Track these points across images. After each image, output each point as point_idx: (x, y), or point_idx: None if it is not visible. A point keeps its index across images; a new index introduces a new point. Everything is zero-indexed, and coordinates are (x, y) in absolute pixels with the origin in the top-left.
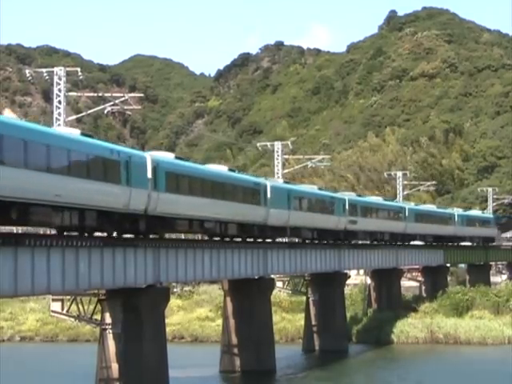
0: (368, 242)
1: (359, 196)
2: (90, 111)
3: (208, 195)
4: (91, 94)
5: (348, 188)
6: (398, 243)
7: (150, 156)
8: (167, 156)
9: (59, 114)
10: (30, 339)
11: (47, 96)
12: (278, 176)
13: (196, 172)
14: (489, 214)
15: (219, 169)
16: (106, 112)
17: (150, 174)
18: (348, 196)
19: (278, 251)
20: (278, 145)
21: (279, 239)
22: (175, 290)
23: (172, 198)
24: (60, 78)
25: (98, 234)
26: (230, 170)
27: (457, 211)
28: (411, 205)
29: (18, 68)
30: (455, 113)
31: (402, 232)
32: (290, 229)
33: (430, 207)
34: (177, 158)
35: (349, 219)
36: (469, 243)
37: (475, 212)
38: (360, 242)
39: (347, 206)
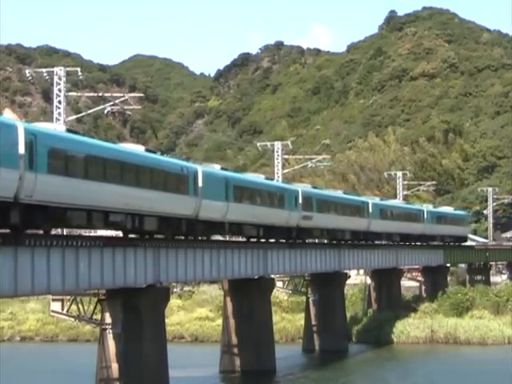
0: (325, 242)
1: (315, 188)
2: (90, 111)
3: (115, 180)
4: (91, 94)
5: (349, 188)
6: (361, 243)
7: (22, 126)
8: (51, 127)
9: (59, 114)
10: (30, 339)
11: (47, 96)
12: (277, 176)
13: (97, 150)
14: (462, 211)
15: (134, 148)
16: (105, 112)
17: (22, 150)
18: (302, 188)
19: (278, 251)
20: (277, 145)
21: (236, 238)
22: (175, 289)
23: (57, 181)
24: (60, 78)
25: (97, 234)
26: (149, 150)
27: (426, 207)
28: (375, 199)
29: (17, 68)
30: (455, 113)
31: (365, 230)
32: (229, 225)
33: (397, 202)
34: (69, 130)
35: (302, 215)
36: (439, 243)
37: (446, 208)
38: (316, 241)
39: (300, 200)
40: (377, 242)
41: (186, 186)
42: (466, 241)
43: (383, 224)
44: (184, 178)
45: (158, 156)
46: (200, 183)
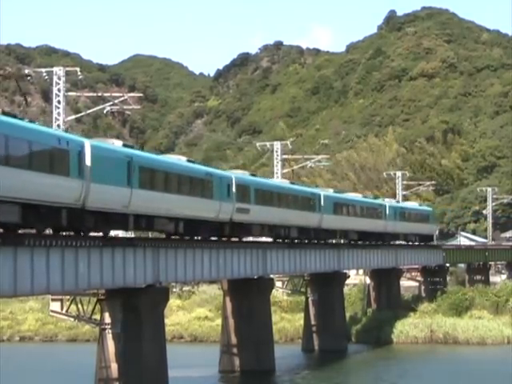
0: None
1: (254, 175)
2: (89, 111)
3: None
4: (90, 94)
5: (349, 188)
6: (313, 241)
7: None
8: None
9: (58, 114)
10: (30, 339)
11: (47, 96)
12: (277, 176)
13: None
14: (426, 206)
15: None
16: (105, 112)
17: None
18: (236, 174)
19: (277, 251)
20: (277, 145)
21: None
22: (175, 289)
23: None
24: (59, 78)
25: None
26: (5, 113)
27: (388, 202)
28: (329, 191)
29: (17, 68)
30: (454, 113)
31: (316, 227)
32: (135, 217)
33: (355, 196)
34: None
35: (237, 207)
36: (402, 242)
37: (411, 204)
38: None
39: (234, 188)
40: (333, 242)
41: (66, 164)
42: (432, 240)
43: (337, 220)
44: (63, 153)
45: (25, 123)
46: (88, 162)
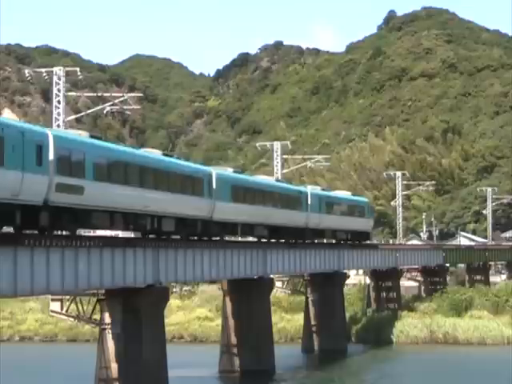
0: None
1: (96, 138)
2: (89, 111)
3: None
4: (90, 94)
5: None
6: (204, 238)
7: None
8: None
9: (58, 114)
10: (30, 339)
11: (46, 96)
12: (277, 176)
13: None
14: (362, 197)
15: None
16: (105, 112)
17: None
18: (54, 131)
19: (277, 251)
20: (277, 145)
21: None
22: (175, 290)
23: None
24: (59, 78)
25: (97, 233)
26: None
27: (311, 190)
28: (227, 172)
29: (17, 68)
30: (454, 113)
31: (207, 218)
32: None
33: (264, 179)
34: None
35: (56, 182)
36: (331, 240)
37: (341, 193)
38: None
39: (52, 155)
40: (227, 239)
41: None
42: (368, 238)
43: (239, 210)
44: None
45: None
46: None
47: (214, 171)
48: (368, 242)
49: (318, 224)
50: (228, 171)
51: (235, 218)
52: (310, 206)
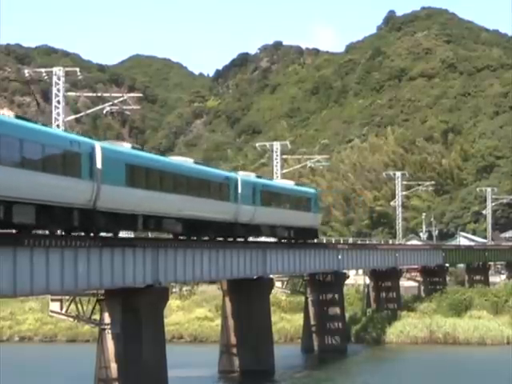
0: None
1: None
2: (88, 111)
3: None
4: (90, 94)
5: (348, 188)
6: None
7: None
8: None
9: (58, 114)
10: (29, 339)
11: (46, 96)
12: (276, 176)
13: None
14: (310, 188)
15: None
16: (104, 112)
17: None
18: None
19: (276, 251)
20: (276, 145)
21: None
22: (174, 290)
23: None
24: (59, 78)
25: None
26: None
27: (242, 176)
28: (123, 148)
29: (16, 68)
30: (454, 113)
31: (87, 206)
32: None
33: (178, 160)
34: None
35: None
36: (269, 239)
37: (284, 182)
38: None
39: None
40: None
41: None
42: (316, 236)
43: (134, 197)
44: None
45: None
46: None
47: (100, 145)
48: (315, 240)
49: (252, 219)
50: (127, 146)
51: (132, 209)
52: (240, 196)
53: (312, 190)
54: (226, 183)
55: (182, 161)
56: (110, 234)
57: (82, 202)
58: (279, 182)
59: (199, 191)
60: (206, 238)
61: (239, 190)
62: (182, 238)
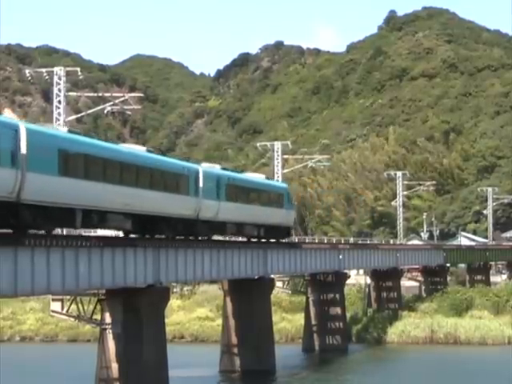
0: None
1: None
2: (89, 111)
3: None
4: (91, 94)
5: (349, 188)
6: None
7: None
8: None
9: (59, 114)
10: (30, 339)
11: (47, 96)
12: (277, 176)
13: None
14: (281, 183)
15: None
16: (105, 112)
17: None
18: None
19: (277, 251)
20: (277, 145)
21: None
22: (175, 289)
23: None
24: (60, 78)
25: (97, 233)
26: None
27: (204, 167)
28: (56, 131)
29: (17, 68)
30: (455, 113)
31: (9, 199)
32: None
33: (128, 148)
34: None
35: None
36: (241, 238)
37: (253, 176)
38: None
39: None
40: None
41: None
42: (289, 234)
43: (68, 188)
44: None
45: None
46: None
47: (23, 125)
48: (287, 239)
49: (215, 215)
50: (62, 130)
51: (68, 202)
52: (202, 189)
53: (284, 185)
54: (184, 175)
55: (131, 148)
56: (42, 232)
57: (1, 194)
58: (248, 175)
59: (151, 183)
60: (163, 237)
61: (200, 183)
62: (133, 235)
